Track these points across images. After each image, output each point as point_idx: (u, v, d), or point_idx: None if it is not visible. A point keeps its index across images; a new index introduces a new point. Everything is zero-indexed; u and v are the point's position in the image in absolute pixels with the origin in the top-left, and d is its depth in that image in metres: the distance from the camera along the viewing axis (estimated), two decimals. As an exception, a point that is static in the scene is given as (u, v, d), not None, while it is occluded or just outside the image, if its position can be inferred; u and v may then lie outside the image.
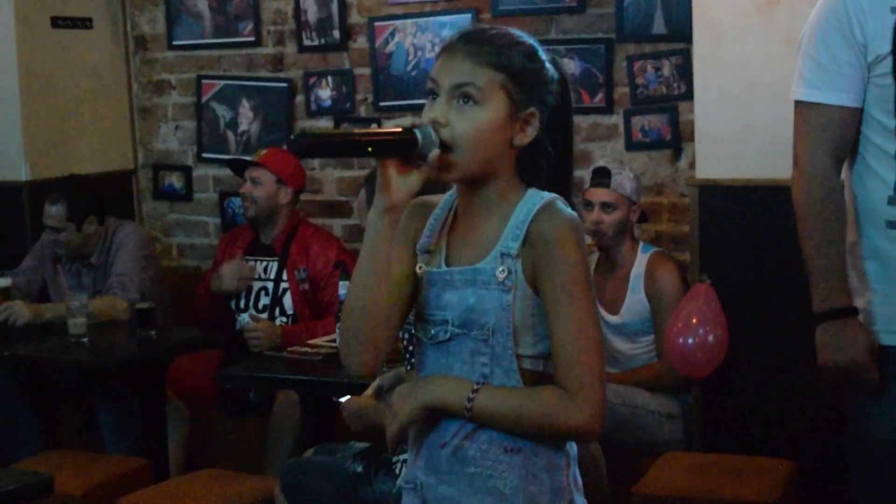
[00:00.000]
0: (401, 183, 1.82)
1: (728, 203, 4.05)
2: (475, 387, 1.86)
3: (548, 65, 1.93)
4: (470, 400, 1.85)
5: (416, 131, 1.81)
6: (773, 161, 3.87)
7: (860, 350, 2.51)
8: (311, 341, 4.24)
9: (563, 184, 1.95)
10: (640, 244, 4.34)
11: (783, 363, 3.96)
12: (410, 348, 3.07)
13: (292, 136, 1.73)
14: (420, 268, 1.95)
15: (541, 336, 1.88)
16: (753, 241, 4.01)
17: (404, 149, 1.80)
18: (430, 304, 1.92)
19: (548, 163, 1.93)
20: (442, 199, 2.00)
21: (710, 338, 3.87)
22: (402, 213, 1.88)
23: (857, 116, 2.55)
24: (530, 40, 1.93)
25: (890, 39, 2.47)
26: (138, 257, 4.78)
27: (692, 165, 4.49)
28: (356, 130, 1.86)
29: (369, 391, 3.30)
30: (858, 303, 2.58)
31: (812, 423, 3.91)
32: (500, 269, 1.87)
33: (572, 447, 1.95)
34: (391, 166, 1.81)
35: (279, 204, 4.84)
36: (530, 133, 1.90)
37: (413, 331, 1.99)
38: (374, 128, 1.88)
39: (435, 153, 1.82)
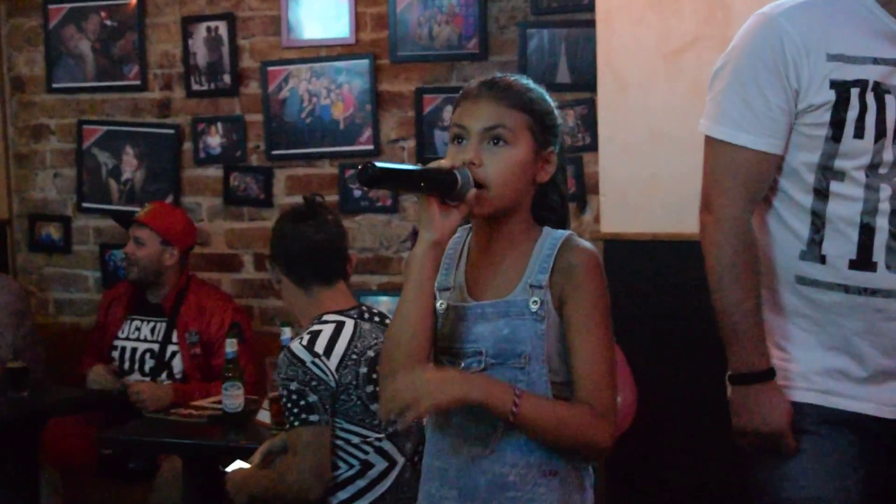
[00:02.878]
0: (444, 219, 2.03)
1: (634, 258, 4.06)
2: (517, 392, 1.99)
3: (555, 109, 2.18)
4: (516, 404, 1.98)
5: (456, 172, 2.01)
6: (679, 214, 3.89)
7: (780, 416, 2.47)
8: (196, 402, 4.17)
9: (566, 220, 2.20)
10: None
11: (694, 428, 3.95)
12: (295, 410, 3.02)
13: (360, 167, 1.93)
14: (441, 304, 2.13)
15: (568, 362, 2.08)
16: (662, 297, 4.01)
17: (448, 187, 2.00)
18: (460, 337, 2.10)
19: (560, 199, 2.18)
20: (451, 239, 2.17)
21: (618, 400, 3.85)
22: (444, 249, 2.10)
23: (777, 164, 2.47)
24: (539, 87, 2.17)
25: (827, 89, 2.40)
26: (11, 313, 4.65)
27: (597, 219, 4.49)
28: (412, 167, 2.06)
29: (256, 457, 3.23)
30: None
31: (726, 492, 3.90)
32: (534, 299, 2.06)
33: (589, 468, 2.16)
34: (434, 203, 2.01)
35: (164, 266, 4.73)
36: (549, 171, 2.15)
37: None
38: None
39: (472, 191, 2.03)
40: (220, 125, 5.33)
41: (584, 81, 4.66)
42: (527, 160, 2.10)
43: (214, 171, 5.40)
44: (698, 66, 3.86)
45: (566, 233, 2.14)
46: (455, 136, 2.11)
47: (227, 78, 5.30)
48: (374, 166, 1.91)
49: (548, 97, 2.17)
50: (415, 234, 4.37)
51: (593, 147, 4.52)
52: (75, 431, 4.68)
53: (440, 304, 2.13)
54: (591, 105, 4.62)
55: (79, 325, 5.53)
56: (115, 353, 4.77)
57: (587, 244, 2.13)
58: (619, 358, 3.84)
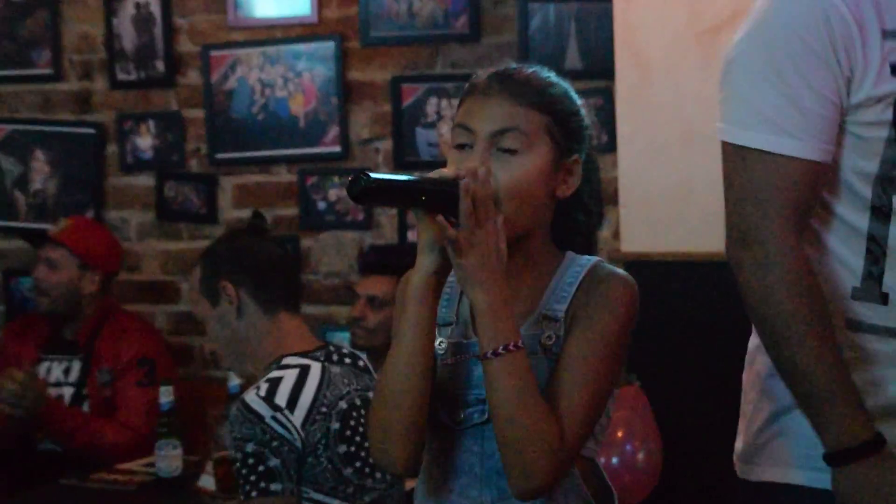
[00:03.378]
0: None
1: (662, 283, 4.06)
2: (516, 343, 2.00)
3: (582, 108, 2.17)
4: (509, 348, 1.99)
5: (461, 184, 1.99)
6: (717, 229, 3.87)
7: None
8: (123, 466, 4.15)
9: (590, 244, 2.22)
10: None
11: (730, 486, 3.95)
12: (252, 477, 3.01)
13: (351, 177, 1.91)
14: (441, 343, 2.13)
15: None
16: (694, 332, 4.01)
17: (451, 203, 1.98)
18: (461, 382, 2.11)
19: (586, 219, 2.20)
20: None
21: (641, 455, 3.86)
22: (446, 277, 2.07)
23: (824, 178, 2.31)
24: (563, 81, 2.17)
25: (888, 76, 2.24)
26: None
27: (616, 236, 4.50)
28: (411, 177, 2.00)
29: None
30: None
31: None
32: (547, 334, 2.08)
33: None
34: (437, 222, 1.99)
35: (82, 293, 4.71)
36: (573, 183, 2.14)
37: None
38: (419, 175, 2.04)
39: None
40: (151, 123, 5.33)
41: (599, 67, 4.65)
42: (545, 171, 2.10)
43: (145, 180, 5.39)
44: (739, 48, 3.87)
45: (594, 259, 2.15)
46: (456, 142, 2.10)
47: (160, 65, 5.30)
48: (368, 177, 1.91)
49: (573, 94, 2.17)
50: (365, 255, 4.37)
51: (611, 148, 4.52)
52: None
53: (439, 344, 2.13)
54: (608, 96, 4.62)
55: (-22, 371, 5.50)
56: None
57: (623, 273, 2.14)
58: (637, 403, 3.86)
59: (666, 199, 4.05)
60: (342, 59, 5.05)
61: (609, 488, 2.24)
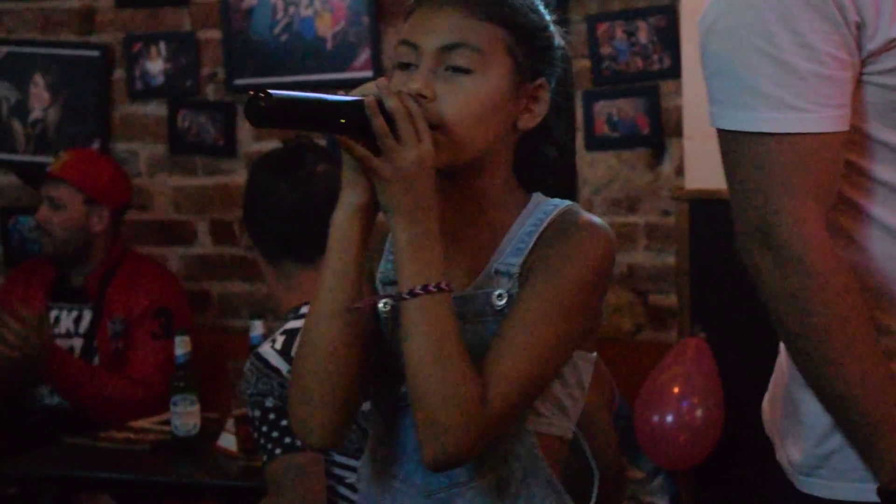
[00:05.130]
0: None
1: (730, 224, 4.06)
2: (443, 284, 1.89)
3: (551, 24, 2.07)
4: (429, 289, 1.88)
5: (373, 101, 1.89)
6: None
7: None
8: (135, 424, 4.19)
9: (569, 186, 2.10)
10: None
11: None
12: (274, 434, 3.02)
13: (251, 94, 1.80)
14: (385, 305, 2.02)
15: (561, 386, 2.00)
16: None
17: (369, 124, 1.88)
18: (400, 351, 1.94)
19: (558, 155, 2.08)
20: None
21: (699, 413, 3.88)
22: (375, 216, 1.95)
23: (846, 147, 2.16)
24: None
25: None
26: None
27: (679, 171, 4.51)
28: (324, 96, 1.89)
29: None
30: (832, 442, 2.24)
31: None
32: (498, 292, 1.98)
33: None
34: (361, 150, 1.87)
35: (91, 233, 4.75)
36: (539, 112, 2.03)
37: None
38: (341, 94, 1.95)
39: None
40: (162, 45, 5.34)
41: (662, -18, 4.67)
42: (501, 94, 1.98)
43: (156, 109, 5.42)
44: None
45: (565, 203, 2.02)
46: (398, 62, 2.01)
47: (172, -20, 5.31)
48: (269, 95, 1.82)
49: (541, 7, 2.06)
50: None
51: (674, 73, 4.52)
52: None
53: (383, 305, 2.04)
54: (672, 14, 4.62)
55: (-27, 319, 5.56)
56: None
57: (598, 221, 2.00)
58: (699, 356, 3.85)
59: (736, 131, 4.05)
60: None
61: (590, 469, 2.21)
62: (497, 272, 1.99)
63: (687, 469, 4.01)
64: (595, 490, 2.25)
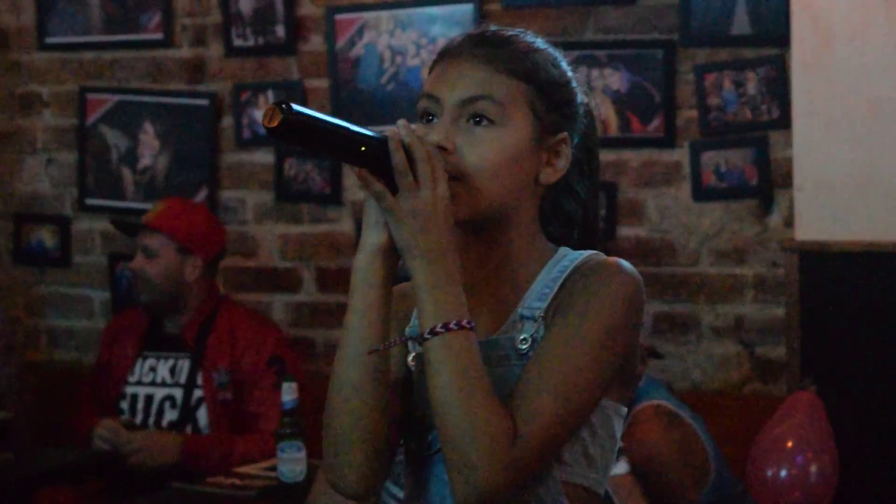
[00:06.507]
0: None
1: (843, 276, 4.03)
2: (464, 321, 1.89)
3: (574, 80, 2.08)
4: (450, 327, 1.88)
5: (393, 140, 1.89)
6: (908, 216, 3.88)
7: None
8: (241, 469, 4.20)
9: (593, 240, 2.09)
10: None
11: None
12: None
13: (271, 105, 1.80)
14: (412, 356, 2.03)
15: (590, 435, 1.97)
16: (879, 332, 3.99)
17: (388, 164, 1.88)
18: (427, 402, 1.93)
19: (579, 210, 2.09)
20: None
21: (813, 468, 3.84)
22: (398, 258, 1.93)
23: None
24: (551, 47, 2.08)
25: None
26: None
27: (789, 222, 4.48)
28: (349, 125, 1.89)
29: None
30: None
31: None
32: (522, 336, 1.97)
33: None
34: (379, 185, 1.88)
35: (185, 282, 4.79)
36: (561, 166, 2.04)
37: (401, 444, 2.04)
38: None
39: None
40: (270, 94, 5.38)
41: (771, 33, 4.62)
42: (522, 147, 1.99)
43: (263, 157, 5.46)
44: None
45: (587, 252, 2.04)
46: (422, 113, 2.02)
47: (280, 30, 5.35)
48: (290, 108, 1.81)
49: (563, 62, 2.08)
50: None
51: (784, 123, 4.50)
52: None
53: (410, 359, 2.05)
54: (782, 65, 4.59)
55: (80, 364, 5.60)
56: (125, 404, 4.83)
57: (625, 263, 2.00)
58: (812, 411, 3.83)
59: (847, 182, 4.02)
60: (481, 23, 5.07)
61: None
62: (522, 317, 1.99)
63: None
64: None
